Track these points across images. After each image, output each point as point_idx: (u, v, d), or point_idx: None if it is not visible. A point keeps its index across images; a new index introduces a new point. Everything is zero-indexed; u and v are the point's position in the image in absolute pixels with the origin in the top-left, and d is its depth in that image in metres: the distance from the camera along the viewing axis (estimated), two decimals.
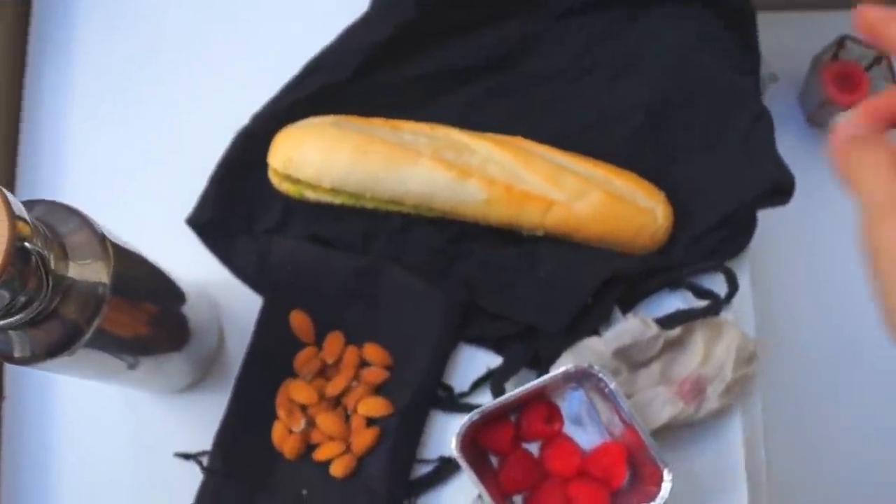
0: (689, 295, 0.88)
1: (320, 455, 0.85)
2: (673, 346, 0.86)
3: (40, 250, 0.57)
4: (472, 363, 0.90)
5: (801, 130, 1.01)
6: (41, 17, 1.02)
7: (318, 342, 0.89)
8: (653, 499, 0.77)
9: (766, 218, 0.90)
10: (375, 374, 0.87)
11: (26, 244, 0.55)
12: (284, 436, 0.86)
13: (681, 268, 0.88)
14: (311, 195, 0.88)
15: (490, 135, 0.88)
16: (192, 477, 0.86)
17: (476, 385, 0.89)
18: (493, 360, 0.89)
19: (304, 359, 0.88)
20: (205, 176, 0.92)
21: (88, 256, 0.63)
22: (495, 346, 0.90)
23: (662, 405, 0.84)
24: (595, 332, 0.87)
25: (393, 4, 0.93)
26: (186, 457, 0.87)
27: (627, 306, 0.88)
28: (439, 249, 0.89)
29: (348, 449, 0.85)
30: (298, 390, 0.86)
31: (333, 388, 0.86)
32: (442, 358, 0.88)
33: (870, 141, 0.51)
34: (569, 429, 0.86)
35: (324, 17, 0.94)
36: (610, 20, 0.94)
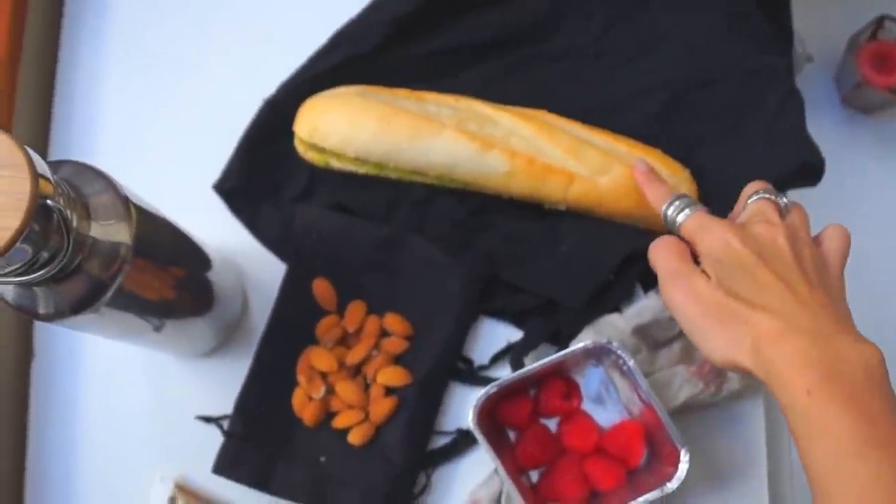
0: None
1: (339, 423, 0.86)
2: None
3: (62, 208, 0.57)
4: (493, 336, 0.90)
5: (835, 112, 1.00)
6: None
7: (340, 310, 0.89)
8: (669, 479, 0.77)
9: (795, 199, 0.88)
10: (396, 344, 0.88)
11: (48, 202, 0.56)
12: (304, 402, 0.86)
13: None
14: (335, 164, 0.88)
15: (513, 107, 0.88)
16: (213, 440, 0.87)
17: (496, 358, 0.89)
18: (513, 334, 0.90)
19: (326, 326, 0.88)
20: (232, 143, 0.93)
21: (112, 217, 0.64)
22: (516, 319, 0.90)
23: (681, 385, 0.83)
24: (616, 308, 0.86)
25: None
26: (207, 420, 0.89)
27: (649, 284, 0.87)
28: (461, 221, 0.89)
29: (367, 417, 0.86)
30: (319, 358, 0.87)
31: (354, 356, 0.87)
32: (462, 330, 0.89)
33: (662, 238, 0.72)
34: (587, 405, 0.86)
35: None
36: None
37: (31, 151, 0.55)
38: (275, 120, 0.92)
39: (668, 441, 0.78)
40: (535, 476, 0.85)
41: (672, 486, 0.77)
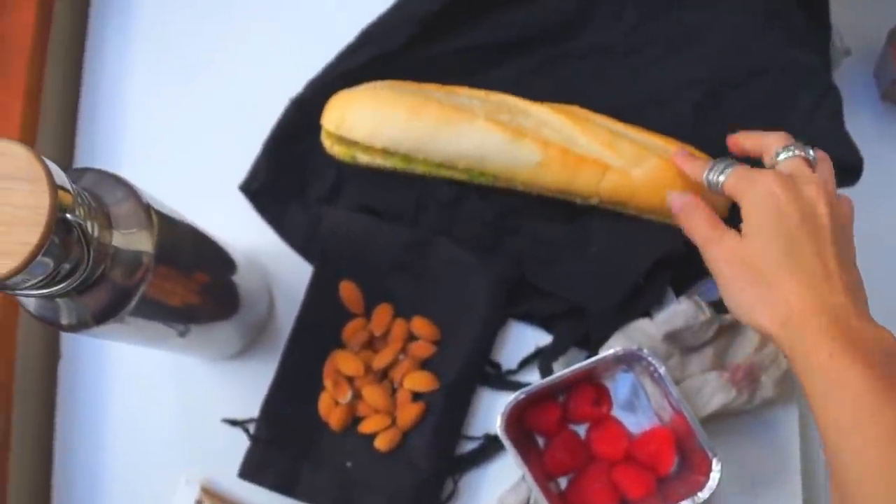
0: None
1: (366, 428, 0.85)
2: (727, 331, 0.84)
3: (81, 221, 0.56)
4: (521, 340, 0.88)
5: (874, 106, 0.97)
6: None
7: (367, 313, 0.88)
8: (700, 488, 0.76)
9: None
10: (423, 349, 0.86)
11: (68, 215, 0.55)
12: (331, 407, 0.85)
13: None
14: (362, 158, 0.86)
15: (545, 102, 0.86)
16: (239, 443, 0.86)
17: (524, 363, 0.88)
18: (542, 338, 0.88)
19: (353, 330, 0.87)
20: (258, 143, 0.92)
21: (133, 226, 0.63)
22: (544, 323, 0.88)
23: (714, 392, 0.82)
24: (647, 313, 0.85)
25: None
26: (234, 423, 0.88)
27: (681, 288, 0.86)
28: (490, 223, 0.87)
29: (393, 423, 0.85)
30: (346, 362, 0.86)
31: (380, 360, 0.86)
32: (490, 334, 0.87)
33: (687, 206, 0.74)
34: (617, 412, 0.84)
35: None
36: None
37: (50, 164, 0.54)
38: (301, 119, 0.91)
39: (699, 449, 0.77)
40: (563, 483, 0.84)
41: (703, 495, 0.76)
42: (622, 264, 0.84)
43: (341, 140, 0.86)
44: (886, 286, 0.91)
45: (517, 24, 0.92)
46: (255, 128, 0.92)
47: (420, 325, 0.87)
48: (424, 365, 0.87)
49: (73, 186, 0.56)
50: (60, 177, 0.55)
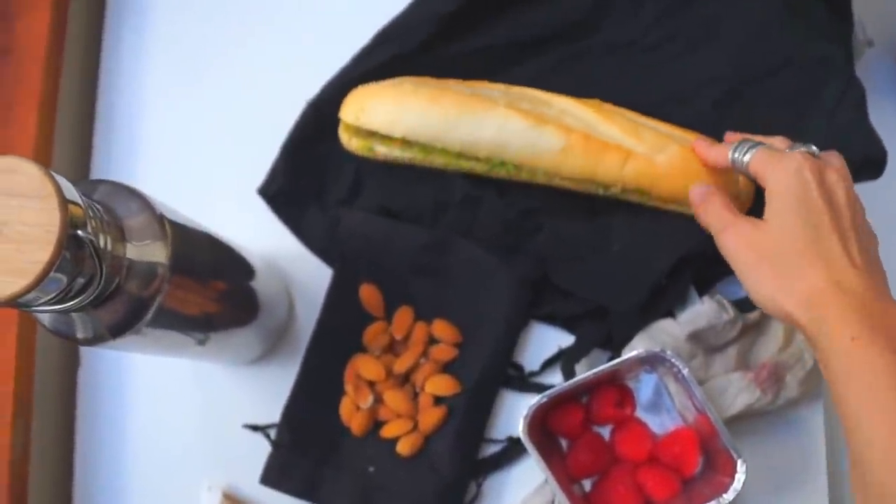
0: None
1: (387, 432, 0.83)
2: (751, 330, 0.82)
3: (92, 237, 0.55)
4: (544, 342, 0.87)
5: None
6: None
7: (388, 317, 0.87)
8: (725, 490, 0.74)
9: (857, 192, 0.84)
10: (444, 352, 0.85)
11: (79, 231, 0.53)
12: (352, 412, 0.84)
13: None
14: (380, 149, 0.84)
15: (567, 95, 0.84)
16: (261, 447, 0.85)
17: (547, 364, 0.86)
18: (564, 339, 0.86)
19: (374, 333, 0.86)
20: (276, 147, 0.91)
21: (147, 237, 0.61)
22: (567, 324, 0.87)
23: (738, 392, 0.80)
24: (670, 313, 0.83)
25: None
26: (255, 428, 0.86)
27: (704, 287, 0.84)
28: (510, 223, 0.85)
29: (415, 427, 0.83)
30: (367, 366, 0.84)
31: (402, 364, 0.84)
32: (512, 336, 0.86)
33: (702, 196, 0.73)
34: (641, 413, 0.83)
35: None
36: None
37: (60, 179, 0.53)
38: (318, 121, 0.89)
39: (724, 450, 0.75)
40: (587, 485, 0.82)
41: (728, 497, 0.74)
42: (645, 263, 0.82)
43: (359, 132, 0.84)
44: None
45: (535, 23, 0.90)
46: (273, 131, 0.90)
47: (441, 327, 0.85)
48: (446, 368, 0.85)
49: (85, 200, 0.55)
50: (71, 192, 0.54)
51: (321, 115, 0.89)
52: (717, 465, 0.78)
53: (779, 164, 0.67)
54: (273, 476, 0.84)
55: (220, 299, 0.74)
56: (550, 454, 0.78)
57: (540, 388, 0.84)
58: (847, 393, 0.59)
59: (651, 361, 0.80)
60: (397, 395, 0.83)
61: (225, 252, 0.75)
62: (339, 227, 0.88)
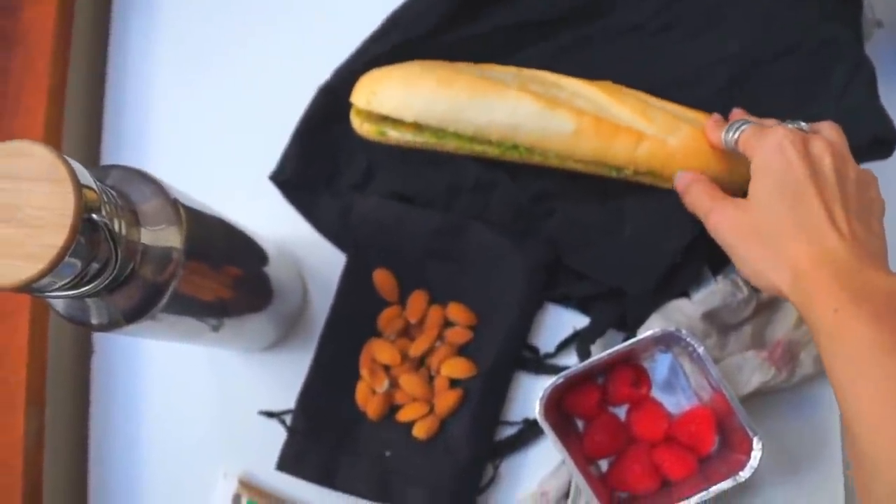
0: None
1: (403, 416, 0.82)
2: (765, 308, 0.81)
3: (107, 220, 0.53)
4: (558, 323, 0.85)
5: None
6: None
7: (402, 301, 0.85)
8: (742, 467, 0.73)
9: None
10: (459, 335, 0.83)
11: (94, 215, 0.52)
12: (368, 396, 0.82)
13: None
14: (392, 134, 0.82)
15: (578, 78, 0.82)
16: (277, 434, 0.84)
17: (562, 346, 0.85)
18: (579, 321, 0.85)
19: (388, 318, 0.84)
20: (287, 132, 0.89)
21: (161, 222, 0.60)
22: (581, 305, 0.85)
23: (753, 370, 0.79)
24: (684, 293, 0.82)
25: None
26: (270, 415, 0.85)
27: (718, 267, 0.83)
28: (523, 207, 0.84)
29: (432, 410, 0.82)
30: (382, 350, 0.83)
31: (417, 348, 0.83)
32: (527, 318, 0.84)
33: (687, 184, 0.74)
34: (656, 393, 0.81)
35: None
36: None
37: (73, 163, 0.51)
38: (330, 106, 0.87)
39: (740, 428, 0.74)
40: (603, 466, 0.80)
41: (745, 474, 0.72)
42: (657, 246, 0.81)
43: (371, 117, 0.82)
44: None
45: (544, 7, 0.88)
46: (284, 117, 0.89)
47: (456, 310, 0.84)
48: (461, 351, 0.84)
49: (99, 185, 0.54)
50: (85, 176, 0.52)
51: (332, 101, 0.87)
52: (733, 444, 0.76)
53: (762, 139, 0.67)
54: (289, 462, 0.82)
55: (234, 285, 0.72)
56: (567, 435, 0.76)
57: (555, 370, 0.82)
58: (833, 365, 0.59)
59: (666, 341, 0.78)
60: (413, 379, 0.82)
61: (238, 237, 0.74)
62: (351, 212, 0.86)
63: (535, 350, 0.85)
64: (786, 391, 0.80)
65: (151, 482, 0.87)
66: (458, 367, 0.82)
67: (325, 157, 0.89)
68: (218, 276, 0.69)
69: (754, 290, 0.79)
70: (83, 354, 0.90)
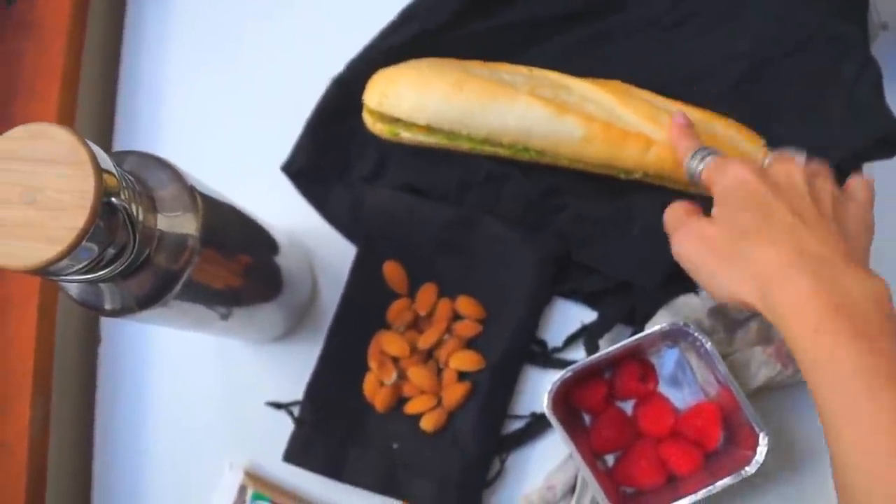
0: None
1: (411, 408, 0.81)
2: None
3: (126, 205, 0.53)
4: (567, 318, 0.85)
5: None
6: None
7: (412, 293, 0.85)
8: (748, 463, 0.73)
9: (871, 171, 0.82)
10: (468, 328, 0.83)
11: (113, 199, 0.51)
12: (376, 388, 0.82)
13: None
14: (405, 135, 0.82)
15: (588, 78, 0.82)
16: (284, 426, 0.83)
17: (570, 341, 0.84)
18: (587, 315, 0.84)
19: (397, 310, 0.84)
20: (300, 123, 0.88)
21: (178, 209, 0.59)
22: (590, 300, 0.85)
23: (759, 366, 0.78)
24: (692, 289, 0.81)
25: None
26: (278, 406, 0.84)
27: None
28: (533, 202, 0.83)
29: (439, 403, 0.81)
30: (391, 342, 0.82)
31: (426, 340, 0.82)
32: (536, 312, 0.83)
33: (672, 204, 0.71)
34: (663, 388, 0.81)
35: None
36: None
37: (94, 147, 0.51)
38: (343, 99, 0.87)
39: (746, 424, 0.73)
40: (610, 460, 0.80)
41: (751, 470, 0.72)
42: (666, 240, 0.80)
43: (383, 117, 0.82)
44: None
45: (558, 2, 0.88)
46: (297, 108, 0.88)
47: (465, 304, 0.83)
48: (470, 344, 0.83)
49: (118, 170, 0.53)
50: (105, 160, 0.52)
51: (346, 93, 0.87)
52: (739, 439, 0.76)
53: (723, 173, 0.66)
54: (296, 453, 0.81)
55: (246, 274, 0.72)
56: (574, 430, 0.76)
57: (563, 365, 0.82)
58: (819, 392, 0.56)
59: (673, 336, 0.78)
60: (421, 371, 0.81)
61: (251, 226, 0.73)
62: (363, 204, 0.85)
63: (543, 344, 0.84)
64: (792, 387, 0.80)
65: (157, 472, 0.86)
66: (466, 360, 0.81)
67: (337, 149, 0.88)
68: (230, 264, 0.68)
69: None
70: (90, 343, 0.89)
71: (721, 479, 0.72)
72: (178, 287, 0.59)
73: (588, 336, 0.81)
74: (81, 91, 0.90)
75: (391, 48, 0.86)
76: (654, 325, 0.77)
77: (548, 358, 0.84)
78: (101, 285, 0.58)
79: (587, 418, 0.81)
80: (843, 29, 0.84)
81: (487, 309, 0.84)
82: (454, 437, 0.81)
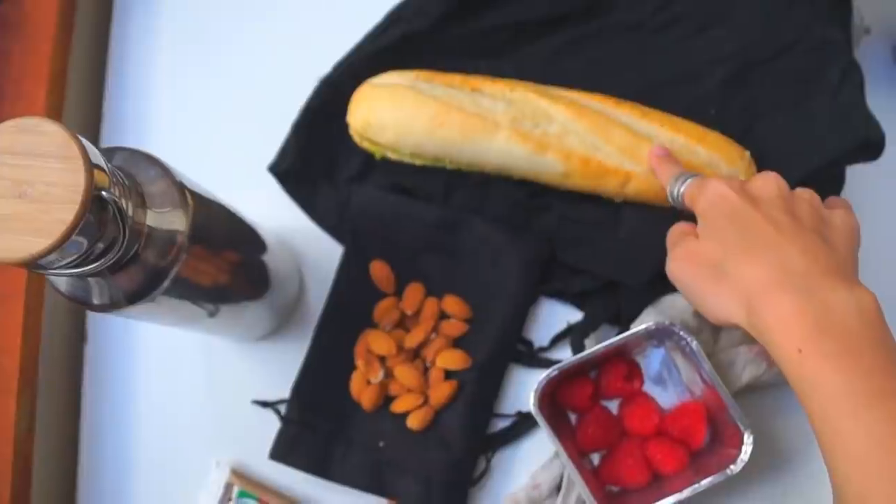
0: None
1: (398, 407, 0.81)
2: None
3: (116, 199, 0.53)
4: (553, 318, 0.85)
5: (893, 85, 0.94)
6: None
7: (399, 293, 0.85)
8: (733, 461, 0.73)
9: (855, 174, 0.84)
10: (454, 327, 0.83)
11: (103, 193, 0.51)
12: (362, 386, 0.82)
13: None
14: (392, 156, 0.84)
15: (570, 96, 0.82)
16: (270, 424, 0.83)
17: (556, 340, 0.84)
18: (573, 315, 0.85)
19: (384, 309, 0.84)
20: (287, 124, 0.89)
21: (167, 205, 0.59)
22: (576, 301, 0.85)
23: (744, 365, 0.79)
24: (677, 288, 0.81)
25: None
26: (264, 404, 0.84)
27: None
28: (520, 202, 0.84)
29: (426, 401, 0.82)
30: (377, 341, 0.82)
31: (412, 339, 0.82)
32: (522, 312, 0.84)
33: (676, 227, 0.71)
34: (649, 387, 0.81)
35: None
36: None
37: (85, 141, 0.51)
38: (330, 100, 0.87)
39: (731, 423, 0.74)
40: (595, 459, 0.80)
41: (736, 468, 0.73)
42: (652, 241, 0.80)
43: (369, 139, 0.83)
44: None
45: (544, 5, 0.88)
46: (284, 108, 0.88)
47: (452, 303, 0.83)
48: (456, 343, 0.83)
49: (108, 165, 0.53)
50: (95, 155, 0.52)
51: (332, 94, 0.87)
52: (724, 438, 0.77)
53: (703, 192, 0.66)
54: (282, 451, 0.81)
55: (234, 272, 0.72)
56: (560, 428, 0.76)
57: (549, 364, 0.82)
58: (809, 410, 0.56)
59: (659, 335, 0.79)
60: (408, 370, 0.81)
61: (239, 224, 0.73)
62: (349, 204, 0.86)
63: (528, 344, 0.85)
64: (777, 386, 0.81)
65: (143, 470, 0.86)
66: (453, 359, 0.82)
67: (323, 150, 0.88)
68: (218, 261, 0.68)
69: None
70: (77, 342, 0.89)
71: (706, 477, 0.73)
72: (167, 283, 0.59)
73: (574, 335, 0.82)
74: (68, 92, 0.90)
75: (378, 50, 0.87)
76: (640, 325, 0.77)
77: (534, 357, 0.84)
78: (90, 280, 0.58)
79: (573, 417, 0.81)
80: (828, 33, 0.85)
81: (474, 308, 0.84)
82: (440, 436, 0.81)
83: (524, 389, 0.83)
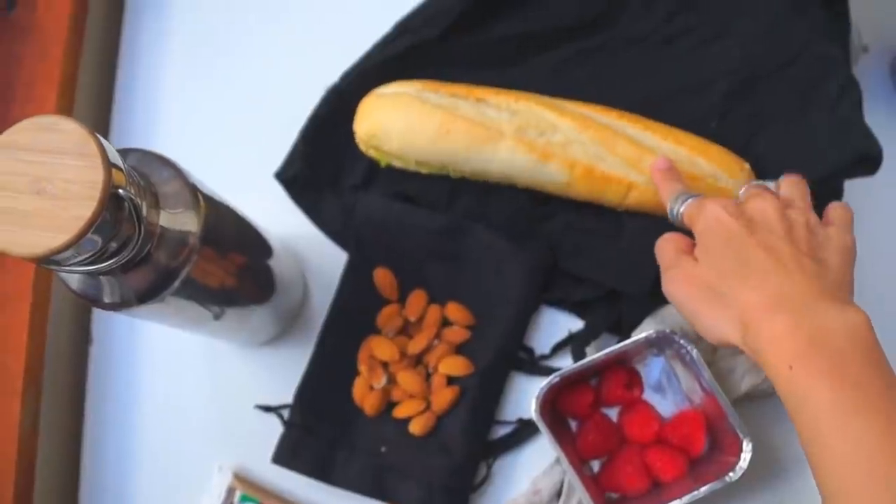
0: None
1: (400, 412, 0.82)
2: None
3: (133, 197, 0.54)
4: (554, 326, 0.86)
5: (891, 103, 0.95)
6: None
7: (402, 299, 0.86)
8: (732, 469, 0.74)
9: (853, 188, 0.85)
10: (457, 334, 0.84)
11: (120, 191, 0.52)
12: (365, 392, 0.83)
13: None
14: (397, 164, 0.85)
15: (575, 107, 0.83)
16: (273, 429, 0.83)
17: (557, 348, 0.85)
18: (574, 324, 0.86)
19: (387, 316, 0.85)
20: (294, 131, 0.90)
21: (180, 206, 0.60)
22: (577, 309, 0.86)
23: (743, 374, 0.80)
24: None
25: None
26: (267, 409, 0.85)
27: None
28: (523, 211, 0.85)
29: (428, 407, 0.82)
30: (381, 347, 0.83)
31: (415, 346, 0.83)
32: (524, 319, 0.85)
33: (664, 235, 0.72)
34: (648, 395, 0.82)
35: None
36: None
37: (103, 140, 0.51)
38: (338, 108, 0.88)
39: (730, 431, 0.75)
40: (595, 466, 0.81)
41: (734, 476, 0.74)
42: (654, 251, 0.82)
43: (375, 147, 0.84)
44: None
45: (557, 14, 0.89)
46: (291, 116, 0.89)
47: (454, 310, 0.84)
48: (459, 350, 0.84)
49: (124, 164, 0.54)
50: (113, 153, 0.52)
51: (340, 103, 0.88)
52: (723, 446, 0.77)
53: (701, 214, 0.67)
54: (285, 455, 0.82)
55: (241, 275, 0.73)
56: (560, 435, 0.77)
57: (550, 372, 0.83)
58: (799, 426, 0.57)
59: (659, 344, 0.79)
60: (410, 376, 0.82)
61: (247, 228, 0.74)
62: (354, 211, 0.87)
63: (530, 351, 0.86)
64: (775, 395, 0.80)
65: (146, 473, 0.86)
66: (455, 366, 0.83)
67: (330, 158, 0.89)
68: (226, 264, 0.69)
69: None
70: (82, 343, 0.89)
71: (705, 484, 0.74)
72: (177, 283, 0.60)
73: (575, 344, 0.83)
74: (79, 96, 0.90)
75: (386, 59, 0.88)
76: (641, 333, 0.78)
77: (535, 365, 0.85)
78: (102, 278, 0.59)
79: (573, 424, 0.82)
80: (827, 49, 0.86)
81: (476, 315, 0.85)
82: (442, 442, 0.82)
83: (525, 396, 0.84)
